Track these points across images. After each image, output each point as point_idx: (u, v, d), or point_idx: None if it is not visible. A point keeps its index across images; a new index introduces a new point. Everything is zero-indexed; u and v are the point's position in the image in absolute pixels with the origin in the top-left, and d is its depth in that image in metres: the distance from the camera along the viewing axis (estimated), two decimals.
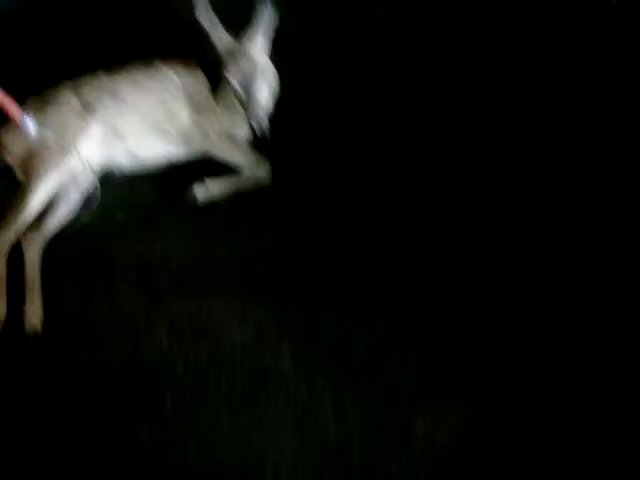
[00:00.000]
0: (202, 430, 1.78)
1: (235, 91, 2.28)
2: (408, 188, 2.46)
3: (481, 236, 2.28)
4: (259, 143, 2.39)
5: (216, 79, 2.36)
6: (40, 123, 2.22)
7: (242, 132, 2.46)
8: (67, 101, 2.27)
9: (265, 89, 2.32)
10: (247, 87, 2.25)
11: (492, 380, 1.92)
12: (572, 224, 2.31)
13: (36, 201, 2.13)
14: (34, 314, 1.98)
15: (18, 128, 2.20)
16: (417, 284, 2.15)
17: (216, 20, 2.32)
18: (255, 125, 2.23)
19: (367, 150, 2.63)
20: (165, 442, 1.76)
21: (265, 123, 2.26)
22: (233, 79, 2.27)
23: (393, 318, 2.05)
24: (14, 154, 2.23)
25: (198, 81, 2.42)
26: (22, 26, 2.89)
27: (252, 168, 2.39)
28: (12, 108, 2.11)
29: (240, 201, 2.37)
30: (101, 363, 1.90)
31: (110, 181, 2.37)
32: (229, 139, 2.44)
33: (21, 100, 2.25)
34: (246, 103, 2.25)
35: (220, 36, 2.33)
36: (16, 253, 2.10)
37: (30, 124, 2.15)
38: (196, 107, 2.40)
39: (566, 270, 2.18)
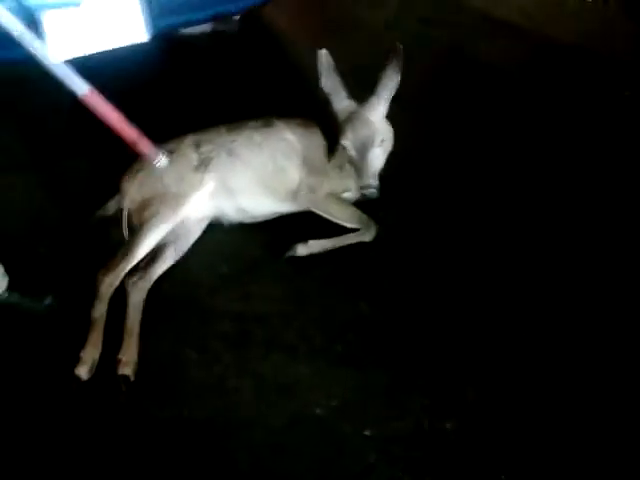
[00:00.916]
0: None
1: (350, 156, 2.29)
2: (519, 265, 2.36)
3: None
4: (367, 202, 2.39)
5: (334, 142, 2.39)
6: (158, 172, 2.29)
7: (352, 194, 2.47)
8: (187, 155, 2.38)
9: (380, 155, 2.31)
10: (362, 153, 2.25)
11: None
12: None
13: (144, 248, 2.23)
14: (129, 361, 2.03)
15: (141, 171, 2.34)
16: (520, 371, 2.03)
17: (340, 86, 2.35)
18: (366, 190, 2.22)
19: (475, 213, 2.57)
20: None
21: (376, 187, 2.23)
22: (349, 144, 2.28)
23: (484, 403, 1.93)
24: (131, 200, 2.36)
25: (313, 142, 2.46)
26: (160, 82, 3.12)
27: (359, 228, 2.39)
28: (143, 142, 2.00)
29: (342, 261, 2.38)
30: (186, 416, 1.91)
31: (218, 231, 2.47)
32: (337, 200, 2.45)
33: None
34: (359, 167, 2.25)
35: (341, 102, 2.36)
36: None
37: (161, 157, 2.05)
38: (308, 167, 2.43)
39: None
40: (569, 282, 2.32)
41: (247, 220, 2.49)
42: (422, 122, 3.12)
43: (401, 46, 2.26)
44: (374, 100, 2.31)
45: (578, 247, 2.46)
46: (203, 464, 1.80)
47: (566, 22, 4.12)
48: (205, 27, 3.30)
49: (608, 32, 3.93)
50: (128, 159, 2.44)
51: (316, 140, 2.47)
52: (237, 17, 3.35)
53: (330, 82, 2.34)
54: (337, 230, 2.40)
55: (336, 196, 2.46)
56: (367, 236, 2.38)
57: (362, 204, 2.43)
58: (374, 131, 2.28)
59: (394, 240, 2.47)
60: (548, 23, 4.11)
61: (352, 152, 2.27)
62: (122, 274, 2.19)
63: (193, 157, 2.38)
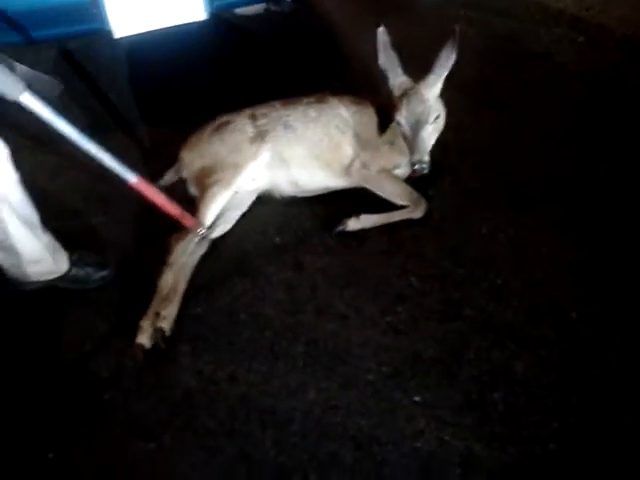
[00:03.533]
0: (322, 460, 1.78)
1: (403, 131, 2.32)
2: None
3: None
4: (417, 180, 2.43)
5: (386, 119, 2.42)
6: (216, 142, 2.43)
7: (403, 171, 2.50)
8: (243, 127, 2.45)
9: (432, 132, 2.34)
10: (415, 129, 2.27)
11: None
12: None
13: (212, 214, 2.31)
14: (168, 316, 2.08)
15: (201, 141, 2.45)
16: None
17: (396, 62, 2.36)
18: (417, 166, 2.23)
19: (521, 192, 2.59)
20: (289, 467, 1.77)
21: (427, 163, 2.24)
22: (404, 120, 2.30)
23: (533, 375, 1.96)
24: (191, 169, 2.45)
25: (366, 118, 2.50)
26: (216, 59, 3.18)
27: (409, 205, 2.42)
28: (186, 217, 2.15)
29: (392, 237, 2.42)
30: (240, 377, 1.98)
31: (270, 203, 2.54)
32: (389, 176, 2.49)
33: (205, 120, 2.52)
34: (412, 143, 2.27)
35: (397, 78, 2.37)
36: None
37: (203, 228, 2.22)
38: (361, 143, 2.48)
39: None
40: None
41: (299, 194, 2.54)
42: (472, 104, 3.14)
43: (458, 28, 2.27)
44: (431, 78, 2.32)
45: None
46: (258, 423, 1.86)
47: (620, 10, 4.04)
48: (258, 8, 3.35)
49: None
50: (186, 129, 2.54)
51: (368, 117, 2.51)
52: None
53: (387, 58, 2.35)
54: (386, 207, 2.44)
55: (388, 172, 2.49)
56: (417, 213, 2.42)
57: (412, 182, 2.48)
58: (429, 107, 2.29)
59: (443, 218, 2.50)
60: (604, 12, 4.04)
61: (406, 127, 2.29)
62: (194, 240, 2.25)
63: (249, 129, 2.44)
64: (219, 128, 2.47)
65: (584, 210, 2.55)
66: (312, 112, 2.50)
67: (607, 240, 2.40)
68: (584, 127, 3.02)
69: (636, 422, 1.82)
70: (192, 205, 2.29)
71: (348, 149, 2.48)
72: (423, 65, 2.35)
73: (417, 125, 2.27)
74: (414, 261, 2.35)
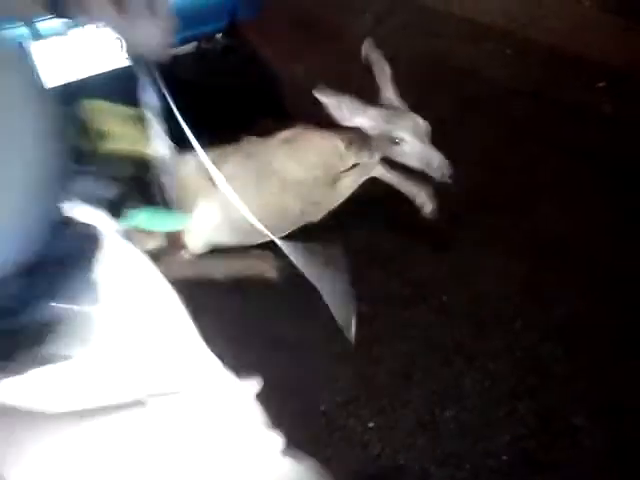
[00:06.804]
0: None
1: (405, 150, 2.13)
2: None
3: None
4: None
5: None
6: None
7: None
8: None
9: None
10: (421, 136, 2.09)
11: None
12: None
13: None
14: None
15: None
16: None
17: (352, 104, 2.12)
18: (444, 170, 2.11)
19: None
20: None
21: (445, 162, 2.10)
22: (404, 133, 2.09)
23: (484, 395, 1.99)
24: None
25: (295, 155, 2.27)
26: None
27: None
28: None
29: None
30: None
31: None
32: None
33: None
34: (426, 155, 2.11)
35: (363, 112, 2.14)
36: None
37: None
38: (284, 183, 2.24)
39: None
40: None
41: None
42: None
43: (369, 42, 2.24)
44: (386, 94, 2.17)
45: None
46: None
47: (546, 21, 4.20)
48: (190, 47, 3.37)
49: (585, 27, 4.02)
50: None
51: (299, 152, 2.28)
52: (220, 35, 3.41)
53: (342, 106, 2.11)
54: None
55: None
56: None
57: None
58: (414, 116, 2.12)
59: (386, 241, 2.55)
60: (530, 24, 4.19)
61: (409, 139, 2.09)
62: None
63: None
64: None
65: (524, 221, 2.62)
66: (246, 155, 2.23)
67: (547, 249, 2.47)
68: (519, 140, 3.11)
69: (583, 427, 1.86)
70: None
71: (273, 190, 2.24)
72: (362, 92, 2.36)
73: (419, 132, 2.10)
74: (361, 286, 2.36)
